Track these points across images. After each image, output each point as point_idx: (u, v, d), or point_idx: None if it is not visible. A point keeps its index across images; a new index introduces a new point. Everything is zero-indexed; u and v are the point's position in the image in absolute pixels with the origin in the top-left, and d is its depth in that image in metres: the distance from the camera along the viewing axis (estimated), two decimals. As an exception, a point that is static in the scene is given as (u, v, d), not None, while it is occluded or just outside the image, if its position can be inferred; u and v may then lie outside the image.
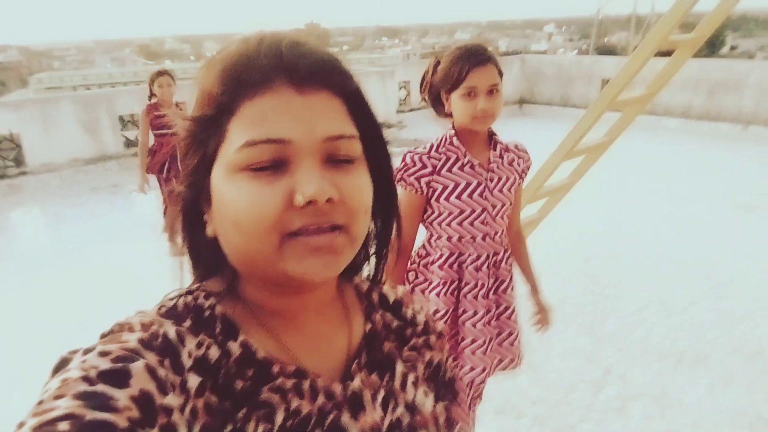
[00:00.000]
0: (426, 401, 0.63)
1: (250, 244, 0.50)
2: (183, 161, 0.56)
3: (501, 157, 1.65)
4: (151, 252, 4.59)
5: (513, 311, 1.79)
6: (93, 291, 4.07)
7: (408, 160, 1.60)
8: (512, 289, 1.78)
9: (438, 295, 1.69)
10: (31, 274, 4.44)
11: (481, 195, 1.62)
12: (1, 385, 2.97)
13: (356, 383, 0.57)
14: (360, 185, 0.53)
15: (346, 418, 0.55)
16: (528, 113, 10.67)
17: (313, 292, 0.57)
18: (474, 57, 1.50)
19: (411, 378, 0.63)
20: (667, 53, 2.83)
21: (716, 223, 4.96)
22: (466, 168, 1.60)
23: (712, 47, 17.09)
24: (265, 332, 0.56)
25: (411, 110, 10.14)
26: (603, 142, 3.13)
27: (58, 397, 0.39)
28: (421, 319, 0.70)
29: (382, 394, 0.59)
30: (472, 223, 1.64)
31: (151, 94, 4.34)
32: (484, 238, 1.66)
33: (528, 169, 1.74)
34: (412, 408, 0.61)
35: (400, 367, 0.63)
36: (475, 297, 1.69)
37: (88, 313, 3.73)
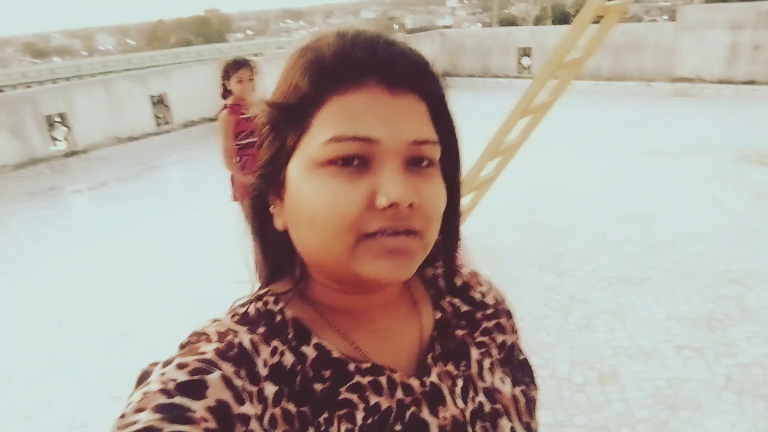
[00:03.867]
0: (504, 386, 0.61)
1: (325, 242, 0.49)
2: (259, 149, 0.55)
3: None
4: (99, 254, 4.63)
5: None
6: (46, 296, 4.05)
7: None
8: None
9: None
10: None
11: None
12: None
13: (433, 377, 0.57)
14: (437, 192, 0.52)
15: (425, 413, 0.54)
16: (454, 85, 11.08)
17: (380, 291, 0.57)
18: None
19: (487, 363, 0.62)
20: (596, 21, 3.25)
21: (635, 169, 5.61)
22: None
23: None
24: (336, 332, 0.55)
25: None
26: (547, 101, 3.53)
27: (139, 410, 0.41)
28: (489, 300, 0.68)
29: (460, 383, 0.58)
30: None
31: (226, 92, 3.39)
32: None
33: None
34: (491, 394, 0.59)
35: (474, 353, 0.61)
36: None
37: (39, 319, 3.73)
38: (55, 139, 7.27)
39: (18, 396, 2.90)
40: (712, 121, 7.26)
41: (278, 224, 0.55)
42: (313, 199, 0.48)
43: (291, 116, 0.51)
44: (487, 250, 4.05)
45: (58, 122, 7.35)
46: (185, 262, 4.32)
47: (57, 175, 7.01)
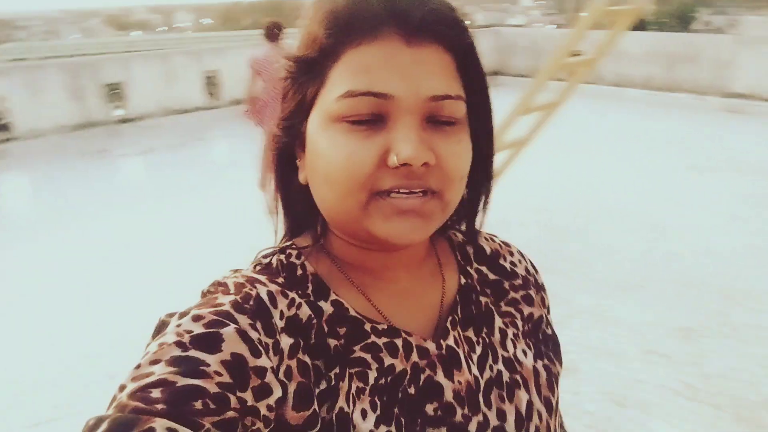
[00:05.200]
0: (526, 358, 0.60)
1: (338, 198, 0.49)
2: (282, 103, 0.54)
3: None
4: (142, 215, 4.97)
5: None
6: (92, 255, 4.42)
7: None
8: None
9: None
10: (27, 237, 4.74)
11: None
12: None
13: (450, 341, 0.56)
14: (459, 150, 0.50)
15: (440, 376, 0.53)
16: (501, 84, 11.09)
17: (402, 250, 0.56)
18: None
19: (510, 333, 0.60)
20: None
21: (667, 182, 5.49)
22: None
23: (683, 23, 17.60)
24: (355, 290, 0.55)
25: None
26: (554, 101, 3.57)
27: (154, 362, 0.41)
28: (520, 271, 0.66)
29: (479, 350, 0.57)
30: None
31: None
32: None
33: None
34: (511, 364, 0.58)
35: (498, 322, 0.60)
36: None
37: (82, 279, 4.09)
38: (112, 106, 7.79)
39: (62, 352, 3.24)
40: (761, 140, 6.97)
41: (302, 178, 0.55)
42: (327, 155, 0.48)
43: (310, 69, 0.50)
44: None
45: (116, 90, 7.87)
46: (222, 231, 4.61)
47: (109, 138, 7.53)
